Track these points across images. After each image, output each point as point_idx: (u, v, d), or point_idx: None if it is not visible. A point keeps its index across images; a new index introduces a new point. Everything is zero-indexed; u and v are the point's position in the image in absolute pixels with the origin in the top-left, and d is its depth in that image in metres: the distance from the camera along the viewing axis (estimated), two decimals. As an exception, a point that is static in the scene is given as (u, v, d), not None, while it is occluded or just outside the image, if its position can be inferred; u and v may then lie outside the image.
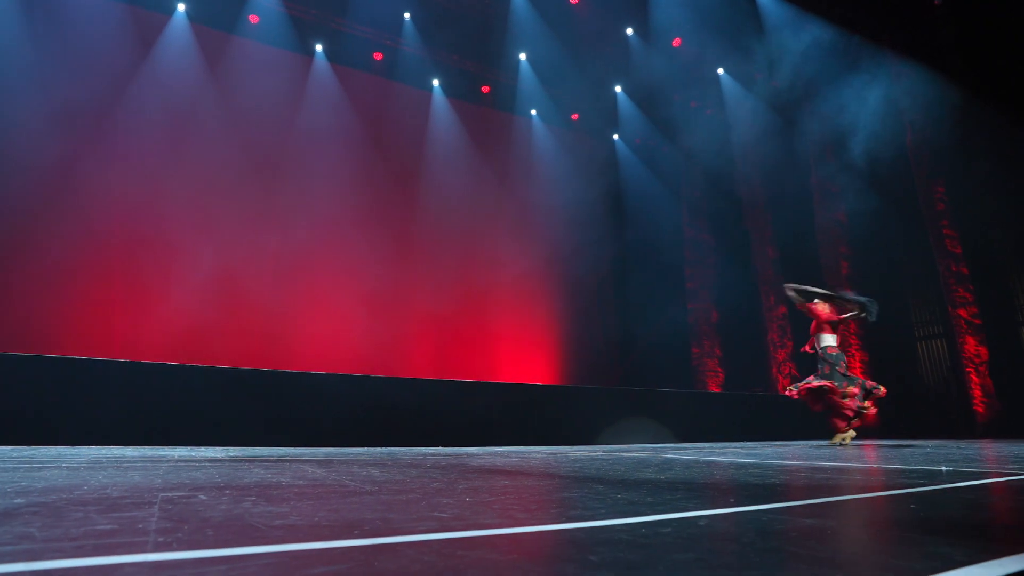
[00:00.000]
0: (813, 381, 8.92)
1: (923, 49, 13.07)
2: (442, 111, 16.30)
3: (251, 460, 4.89)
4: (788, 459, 5.33)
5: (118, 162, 11.96)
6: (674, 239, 17.73)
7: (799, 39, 14.09)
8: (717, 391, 15.99)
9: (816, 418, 13.62)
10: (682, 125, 17.05)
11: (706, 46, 15.34)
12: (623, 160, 18.58)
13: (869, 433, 13.27)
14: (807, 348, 9.39)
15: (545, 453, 6.88)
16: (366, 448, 7.84)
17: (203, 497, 2.37)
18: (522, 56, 16.19)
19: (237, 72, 13.63)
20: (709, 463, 4.88)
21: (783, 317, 15.19)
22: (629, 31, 15.89)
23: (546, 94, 16.85)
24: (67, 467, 3.82)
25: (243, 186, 13.10)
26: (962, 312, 12.12)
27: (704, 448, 8.33)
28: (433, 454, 6.45)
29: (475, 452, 7.11)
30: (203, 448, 6.99)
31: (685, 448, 8.42)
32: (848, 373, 8.96)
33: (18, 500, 2.17)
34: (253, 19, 13.77)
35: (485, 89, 16.88)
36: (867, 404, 8.80)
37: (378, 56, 15.31)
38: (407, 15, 14.78)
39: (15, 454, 5.16)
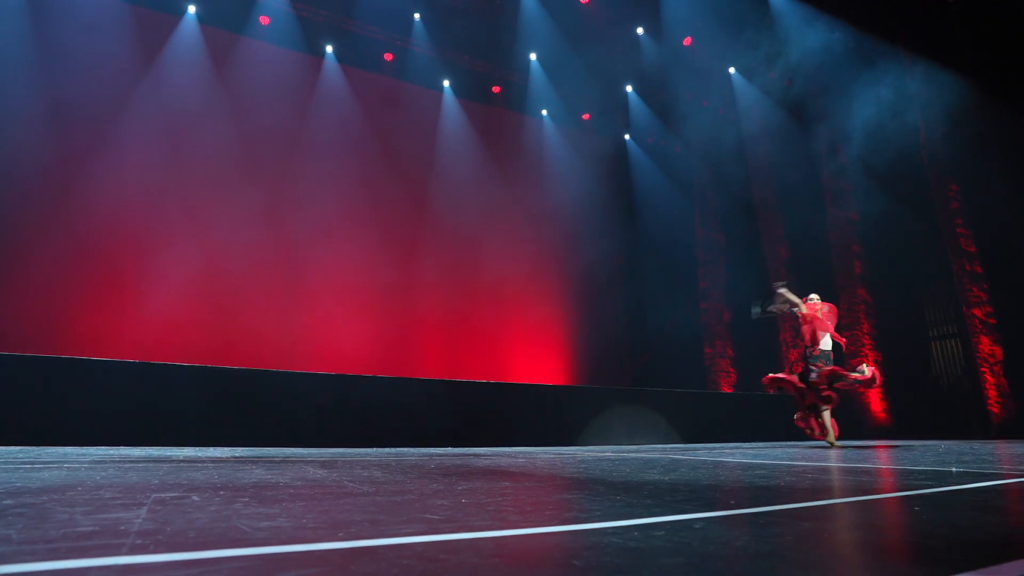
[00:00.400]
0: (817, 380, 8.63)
1: (936, 47, 12.94)
2: (452, 111, 16.28)
3: (255, 460, 4.88)
4: (797, 460, 5.27)
5: (127, 163, 11.99)
6: (686, 239, 17.64)
7: (811, 37, 13.99)
8: (729, 391, 15.89)
9: (832, 416, 13.58)
10: (694, 124, 16.95)
11: (717, 45, 15.25)
12: (634, 160, 18.51)
13: (883, 434, 13.16)
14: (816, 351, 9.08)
15: (553, 454, 6.84)
16: (375, 449, 7.82)
17: (196, 498, 2.34)
18: (532, 56, 16.15)
19: (247, 73, 13.66)
20: (716, 464, 4.83)
21: (795, 317, 15.05)
22: (640, 30, 15.82)
23: (557, 94, 16.80)
24: (68, 467, 3.81)
25: (253, 186, 13.11)
26: (976, 311, 11.99)
27: (714, 449, 8.26)
28: (441, 454, 6.43)
29: (483, 452, 7.08)
30: (211, 448, 6.99)
31: (695, 449, 8.36)
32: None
33: (7, 501, 2.15)
34: (263, 20, 13.79)
35: (495, 89, 16.85)
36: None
37: (388, 57, 15.31)
38: (417, 15, 14.77)
39: (20, 454, 5.16)
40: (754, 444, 10.29)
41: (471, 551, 1.44)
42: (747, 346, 16.18)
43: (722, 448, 8.51)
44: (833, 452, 6.72)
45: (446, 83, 16.19)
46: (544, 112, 17.39)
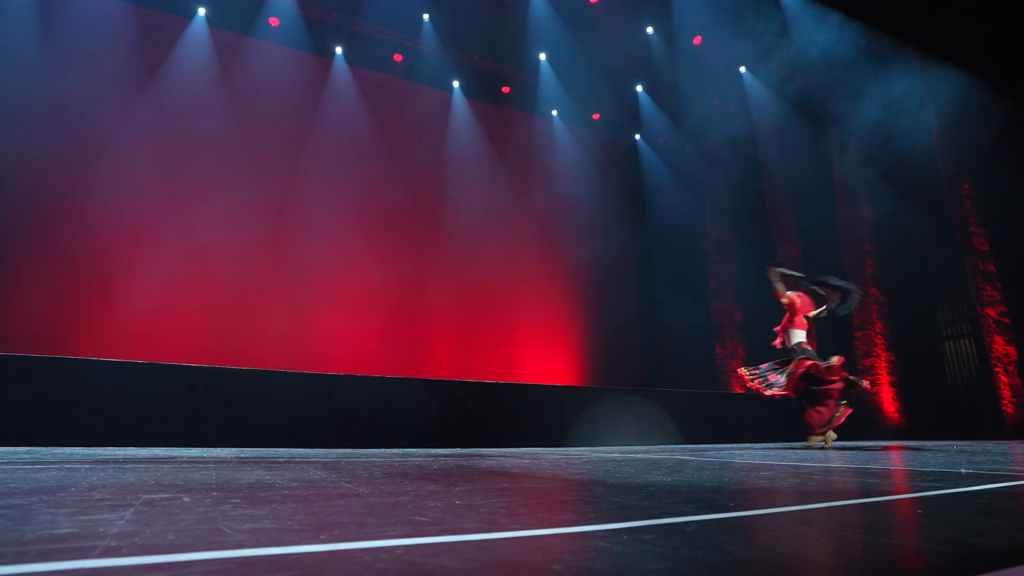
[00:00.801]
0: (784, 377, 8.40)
1: (948, 44, 12.81)
2: (462, 112, 16.26)
3: (258, 461, 4.86)
4: (805, 461, 5.20)
5: (136, 163, 12.03)
6: (697, 239, 17.55)
7: (821, 36, 13.88)
8: (741, 392, 15.78)
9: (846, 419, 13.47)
10: (704, 124, 16.85)
11: (727, 44, 15.15)
12: (644, 159, 18.43)
13: (896, 434, 13.05)
14: (778, 343, 8.89)
15: (560, 454, 6.81)
16: (382, 450, 7.80)
17: (186, 499, 2.32)
18: (542, 56, 16.11)
19: (256, 74, 13.69)
20: (722, 465, 4.78)
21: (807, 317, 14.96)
22: (649, 30, 15.75)
23: (566, 94, 16.75)
24: (68, 468, 3.81)
25: (261, 187, 13.14)
26: (990, 311, 11.85)
27: (724, 450, 8.20)
28: (447, 455, 6.40)
29: (490, 453, 7.05)
30: (217, 449, 6.99)
31: (704, 449, 8.29)
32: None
33: (-5, 502, 2.13)
34: (273, 22, 13.81)
35: (505, 90, 16.82)
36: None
37: (398, 58, 15.30)
38: (426, 16, 14.76)
39: (26, 454, 5.17)
40: (765, 445, 10.22)
41: (452, 554, 1.40)
42: (759, 346, 16.07)
43: (732, 449, 8.44)
44: (848, 454, 6.65)
45: (455, 83, 16.17)
46: (554, 112, 17.35)
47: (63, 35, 11.63)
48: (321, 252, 13.49)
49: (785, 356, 8.68)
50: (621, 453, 7.28)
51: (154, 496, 2.39)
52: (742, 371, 9.02)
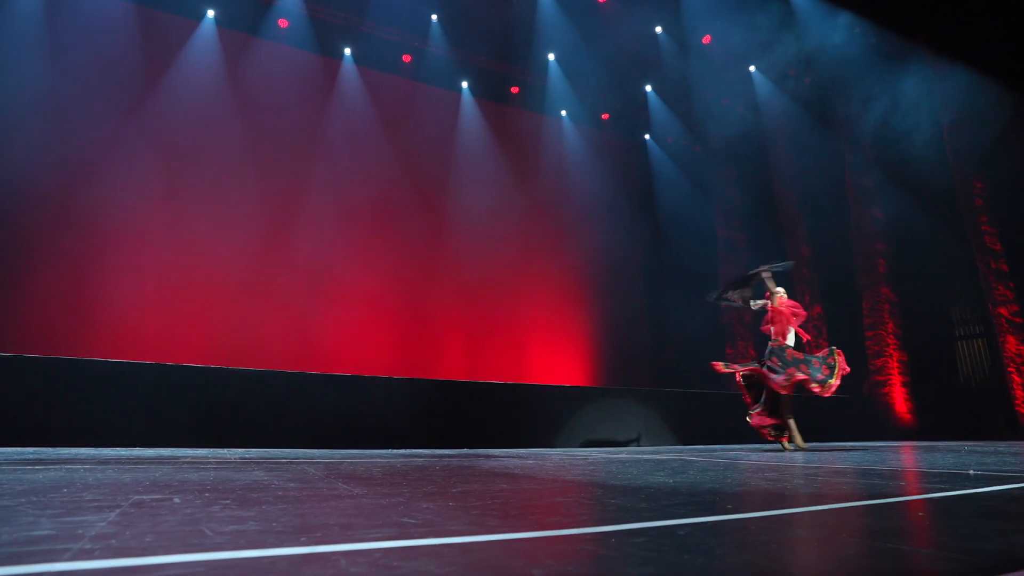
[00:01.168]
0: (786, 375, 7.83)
1: (960, 43, 12.69)
2: (471, 112, 16.23)
3: (261, 462, 4.85)
4: (813, 462, 5.15)
5: (145, 163, 12.06)
6: (707, 239, 17.44)
7: (831, 34, 13.78)
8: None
9: (857, 417, 13.36)
10: (714, 124, 16.75)
11: (736, 43, 15.05)
12: (654, 159, 18.35)
13: (908, 435, 12.93)
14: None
15: (566, 455, 6.77)
16: (390, 450, 7.78)
17: (177, 500, 2.30)
18: (551, 56, 16.06)
19: (265, 75, 13.70)
20: (728, 466, 4.73)
21: (818, 317, 14.84)
22: (658, 29, 15.68)
23: (575, 94, 16.69)
24: (69, 468, 3.80)
25: (271, 188, 13.16)
26: (1003, 311, 11.72)
27: (732, 450, 8.14)
28: (454, 455, 6.38)
29: (497, 454, 7.03)
30: (225, 450, 6.99)
31: (713, 450, 8.23)
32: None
33: (-17, 503, 2.12)
34: (282, 23, 13.82)
35: (514, 90, 16.77)
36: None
37: (407, 58, 15.28)
38: (434, 17, 14.74)
39: (31, 455, 5.17)
40: (774, 447, 10.13)
41: (431, 558, 1.37)
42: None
43: (741, 450, 8.38)
44: (858, 455, 6.58)
45: (464, 84, 16.14)
46: (563, 112, 17.30)
47: (70, 37, 11.66)
48: (329, 252, 13.49)
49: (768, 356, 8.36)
50: (628, 454, 7.24)
51: (145, 497, 2.37)
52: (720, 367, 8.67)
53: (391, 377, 9.76)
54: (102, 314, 11.13)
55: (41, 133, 11.11)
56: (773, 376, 7.80)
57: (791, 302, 8.49)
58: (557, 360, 15.92)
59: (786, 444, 7.96)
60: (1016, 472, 3.86)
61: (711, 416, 11.72)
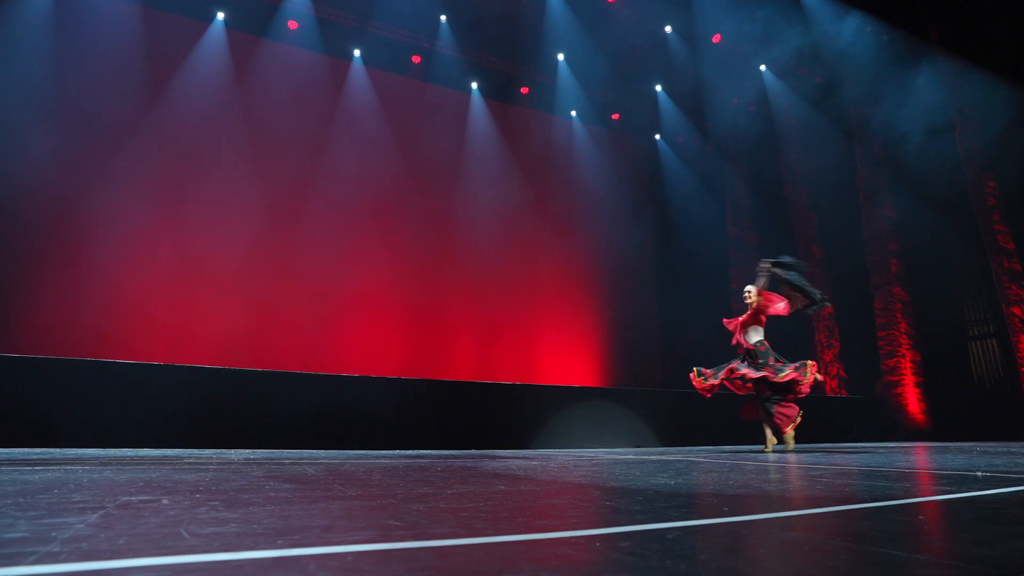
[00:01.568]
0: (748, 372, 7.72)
1: (971, 40, 12.57)
2: (480, 113, 16.21)
3: (265, 462, 4.83)
4: (820, 464, 5.08)
5: (154, 164, 12.09)
6: (718, 238, 17.35)
7: (842, 33, 13.68)
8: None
9: (870, 418, 13.24)
10: (724, 123, 16.67)
11: (746, 41, 14.96)
12: (664, 159, 18.28)
13: (921, 435, 12.81)
14: (740, 340, 8.18)
15: (573, 456, 6.73)
16: (399, 451, 7.76)
17: (165, 501, 2.28)
18: (560, 56, 16.03)
19: (275, 77, 13.73)
20: (734, 467, 4.67)
21: (830, 317, 14.73)
22: (668, 29, 15.61)
23: (585, 94, 16.64)
24: (68, 468, 3.79)
25: (281, 189, 13.17)
26: (1016, 310, 11.58)
27: (743, 451, 8.07)
28: (460, 456, 6.34)
29: (503, 454, 6.99)
30: (232, 451, 6.98)
31: (722, 451, 8.16)
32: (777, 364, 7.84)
33: (-33, 504, 2.10)
34: (292, 25, 13.84)
35: (524, 90, 16.74)
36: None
37: (416, 59, 15.28)
38: (443, 17, 14.73)
39: (35, 455, 5.18)
40: (779, 447, 10.04)
41: (405, 562, 1.33)
42: (780, 347, 15.84)
43: (750, 450, 8.31)
44: (867, 456, 6.49)
45: (474, 85, 16.12)
46: (573, 113, 17.25)
47: (79, 39, 11.72)
48: (339, 253, 13.49)
49: (745, 355, 8.18)
50: (635, 455, 7.19)
51: (133, 498, 2.34)
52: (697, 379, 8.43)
53: (400, 378, 9.76)
54: (110, 315, 11.17)
55: (51, 134, 11.16)
56: (752, 373, 7.68)
57: (768, 295, 8.22)
58: (568, 360, 15.87)
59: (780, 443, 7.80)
60: (1026, 474, 3.79)
61: (723, 417, 11.61)
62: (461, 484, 3.21)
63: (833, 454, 6.97)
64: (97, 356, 8.84)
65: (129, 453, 5.90)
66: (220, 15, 13.29)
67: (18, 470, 3.66)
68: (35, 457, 4.98)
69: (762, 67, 15.88)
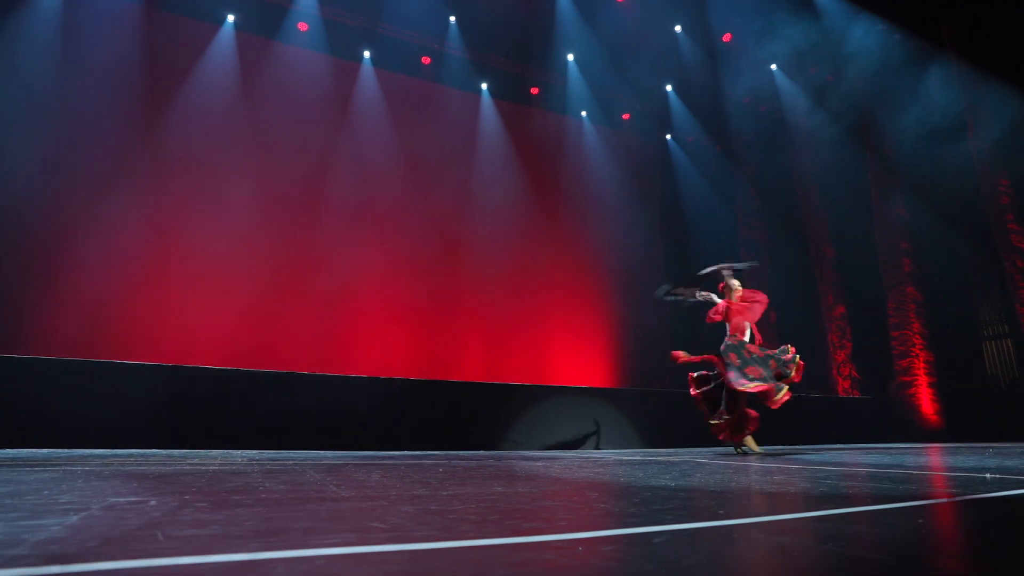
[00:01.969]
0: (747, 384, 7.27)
1: (983, 38, 12.43)
2: (491, 113, 16.18)
3: (268, 463, 4.81)
4: (827, 464, 5.01)
5: (165, 168, 12.13)
6: (729, 238, 17.25)
7: (854, 32, 13.57)
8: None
9: (883, 419, 13.13)
10: (735, 123, 16.58)
11: (757, 41, 14.86)
12: (675, 159, 18.19)
13: (935, 436, 12.68)
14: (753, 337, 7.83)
15: (581, 457, 6.69)
16: (409, 452, 7.73)
17: (153, 503, 2.25)
18: (570, 57, 15.98)
19: (285, 79, 13.74)
20: (739, 469, 4.62)
21: (842, 317, 14.62)
22: (678, 28, 15.54)
23: (595, 94, 16.59)
24: (65, 469, 3.78)
25: (291, 190, 13.18)
26: (1030, 310, 11.45)
27: (751, 453, 8.00)
28: (466, 457, 6.31)
29: (510, 456, 6.95)
30: (241, 451, 6.98)
31: (730, 452, 8.10)
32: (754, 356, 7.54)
33: (-48, 505, 2.08)
34: (302, 27, 13.86)
35: (534, 91, 16.71)
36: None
37: (426, 60, 15.28)
38: (452, 18, 14.71)
39: (42, 455, 5.18)
40: (798, 447, 9.97)
41: (376, 566, 1.30)
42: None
43: (761, 452, 8.23)
44: (876, 457, 6.41)
45: (484, 86, 16.10)
46: (583, 113, 17.19)
47: (87, 42, 11.76)
48: (349, 254, 13.49)
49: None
50: (642, 456, 7.14)
51: (121, 499, 2.32)
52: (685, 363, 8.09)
53: (410, 379, 9.74)
54: (122, 317, 11.20)
55: (61, 136, 11.22)
56: (730, 375, 7.41)
57: (748, 293, 8.07)
58: (579, 361, 15.81)
59: (747, 447, 7.60)
60: (1036, 476, 3.72)
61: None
62: (458, 485, 3.18)
63: (842, 455, 6.89)
64: (103, 358, 8.87)
65: (135, 454, 5.90)
66: (230, 18, 13.32)
67: (17, 470, 3.66)
68: (40, 458, 4.98)
69: (772, 66, 15.77)
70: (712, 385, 7.93)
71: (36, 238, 10.80)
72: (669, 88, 17.21)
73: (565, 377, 15.18)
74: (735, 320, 7.87)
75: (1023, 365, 11.83)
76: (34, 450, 6.17)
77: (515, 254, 15.49)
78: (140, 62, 12.24)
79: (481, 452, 8.09)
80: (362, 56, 14.67)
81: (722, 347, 7.75)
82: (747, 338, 7.79)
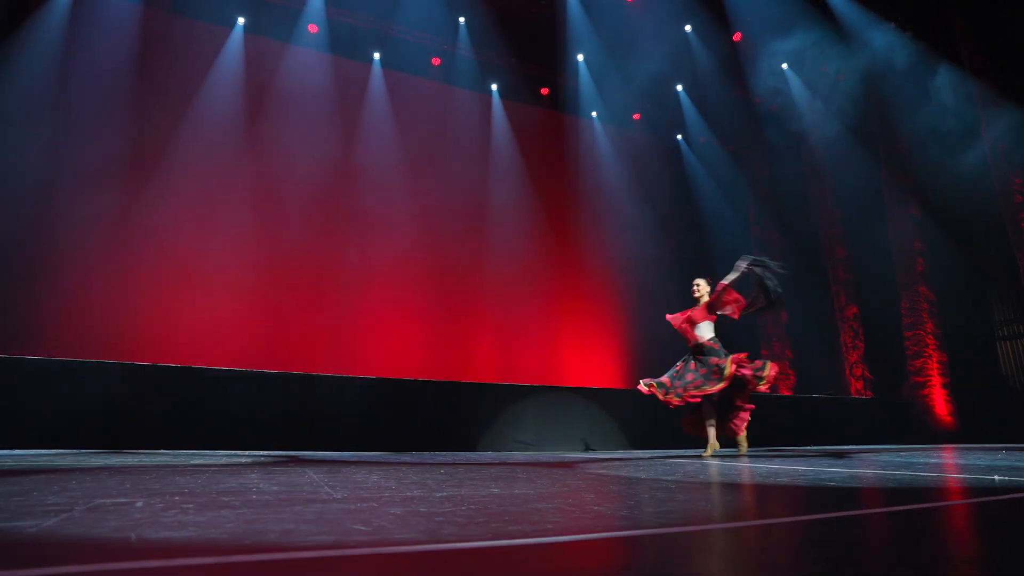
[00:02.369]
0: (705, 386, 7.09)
1: (995, 36, 12.31)
2: (501, 114, 16.19)
3: (269, 464, 4.80)
4: (835, 466, 4.94)
5: (183, 168, 12.17)
6: (741, 238, 17.14)
7: (866, 31, 13.47)
8: (788, 394, 15.36)
9: (896, 420, 13.00)
10: (746, 122, 16.49)
11: (768, 40, 14.77)
12: (687, 159, 18.13)
13: (949, 437, 12.55)
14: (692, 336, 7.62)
15: (589, 458, 6.64)
16: (420, 453, 7.71)
17: (140, 503, 2.24)
18: (580, 57, 15.96)
19: (296, 81, 13.78)
20: (742, 470, 4.57)
21: (855, 318, 14.50)
22: (688, 28, 15.47)
23: (606, 95, 16.56)
24: (64, 470, 3.77)
25: (301, 192, 13.19)
26: (1046, 310, 11.32)
27: (761, 453, 7.93)
28: (473, 459, 6.28)
29: (517, 457, 6.92)
30: (248, 452, 6.98)
31: (734, 454, 8.02)
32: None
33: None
34: (312, 29, 13.90)
35: (544, 91, 16.70)
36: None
37: (436, 61, 15.30)
38: (462, 19, 14.72)
39: (47, 457, 5.19)
40: (810, 448, 9.88)
41: (342, 569, 1.27)
42: (806, 348, 15.65)
43: (771, 452, 8.17)
44: (885, 459, 6.33)
45: (494, 87, 16.11)
46: (594, 114, 17.15)
47: (92, 44, 11.83)
48: (361, 256, 13.50)
49: (695, 352, 7.69)
50: (648, 456, 7.08)
51: (108, 500, 2.30)
52: (647, 388, 7.61)
53: (421, 380, 9.72)
54: (136, 319, 11.24)
55: (72, 139, 11.27)
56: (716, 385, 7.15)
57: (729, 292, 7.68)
58: (591, 362, 15.76)
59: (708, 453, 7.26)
60: (1045, 477, 3.65)
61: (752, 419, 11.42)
62: (455, 487, 3.15)
63: (851, 457, 6.81)
64: (124, 358, 8.90)
65: (142, 456, 5.91)
66: (240, 20, 13.38)
67: (16, 470, 3.65)
68: (45, 456, 4.99)
69: (784, 66, 15.66)
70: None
71: (55, 242, 10.86)
72: (680, 88, 17.14)
73: (578, 378, 15.14)
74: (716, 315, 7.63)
75: (1038, 365, 11.70)
76: (38, 451, 6.19)
77: (526, 254, 15.46)
78: (149, 65, 12.30)
79: (489, 453, 8.07)
80: (372, 58, 14.70)
81: (709, 342, 7.48)
82: (707, 335, 7.56)
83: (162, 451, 6.79)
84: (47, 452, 6.03)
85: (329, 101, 14.12)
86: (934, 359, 12.94)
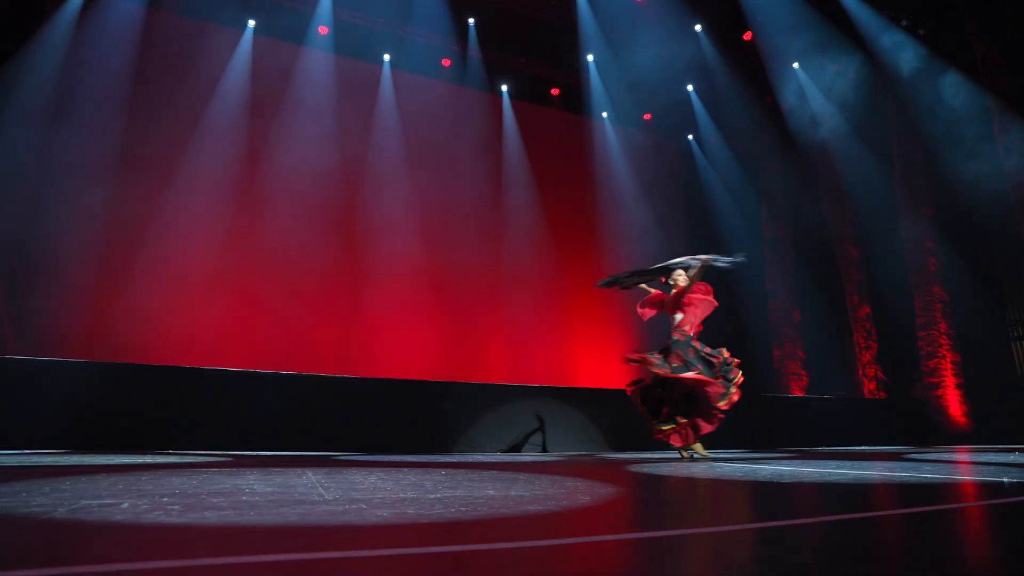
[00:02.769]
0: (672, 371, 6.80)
1: (1006, 36, 12.18)
2: (511, 115, 16.18)
3: (270, 464, 4.78)
4: (841, 468, 4.88)
5: (196, 170, 12.22)
6: (752, 238, 17.03)
7: (879, 30, 13.36)
8: (800, 395, 15.24)
9: (909, 421, 12.87)
10: (757, 122, 16.38)
11: (780, 39, 14.66)
12: (698, 159, 18.05)
13: (963, 439, 12.41)
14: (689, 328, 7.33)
15: (600, 460, 6.60)
16: (433, 455, 7.70)
17: (125, 505, 2.22)
18: (590, 58, 15.92)
19: (307, 83, 13.80)
20: (748, 471, 4.51)
21: (868, 318, 14.37)
22: (698, 27, 15.40)
23: (616, 95, 16.51)
24: (63, 470, 3.77)
25: (310, 193, 13.21)
26: (1060, 310, 11.18)
27: (769, 455, 7.86)
28: (479, 461, 6.25)
29: (525, 458, 6.88)
30: (255, 453, 6.98)
31: (744, 454, 7.96)
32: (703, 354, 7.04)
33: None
34: (322, 30, 13.93)
35: (555, 92, 16.69)
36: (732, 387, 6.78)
37: (446, 62, 15.32)
38: (471, 20, 14.72)
39: (51, 457, 5.19)
40: (820, 450, 9.79)
41: (307, 573, 1.24)
42: (818, 347, 15.53)
43: (780, 454, 8.10)
44: (895, 463, 6.25)
45: (504, 87, 16.10)
46: (604, 114, 17.10)
47: (97, 46, 11.88)
48: (371, 257, 13.50)
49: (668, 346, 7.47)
50: (653, 456, 7.02)
51: (93, 502, 2.29)
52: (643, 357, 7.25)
53: (434, 381, 9.71)
54: (152, 320, 11.28)
55: (82, 142, 11.33)
56: (685, 373, 6.75)
57: (707, 287, 7.65)
58: (603, 363, 15.70)
59: (687, 453, 6.98)
60: (1054, 480, 3.58)
61: (755, 420, 11.35)
62: (451, 489, 3.12)
63: (860, 460, 6.73)
64: (133, 360, 8.94)
65: (147, 458, 5.91)
66: (251, 23, 13.42)
67: (15, 471, 3.65)
68: (48, 458, 5.00)
69: (795, 64, 15.54)
70: (650, 382, 7.33)
71: (66, 243, 10.91)
72: (690, 88, 17.06)
73: (590, 380, 15.09)
74: (688, 314, 7.42)
75: (1053, 366, 11.57)
76: (30, 451, 6.21)
77: (537, 256, 15.43)
78: (159, 68, 12.37)
79: (497, 455, 8.04)
80: (382, 59, 14.72)
81: (670, 343, 7.26)
82: (693, 334, 7.41)
83: (170, 452, 6.80)
84: (47, 452, 6.05)
85: (339, 103, 14.14)
86: (948, 359, 12.80)
